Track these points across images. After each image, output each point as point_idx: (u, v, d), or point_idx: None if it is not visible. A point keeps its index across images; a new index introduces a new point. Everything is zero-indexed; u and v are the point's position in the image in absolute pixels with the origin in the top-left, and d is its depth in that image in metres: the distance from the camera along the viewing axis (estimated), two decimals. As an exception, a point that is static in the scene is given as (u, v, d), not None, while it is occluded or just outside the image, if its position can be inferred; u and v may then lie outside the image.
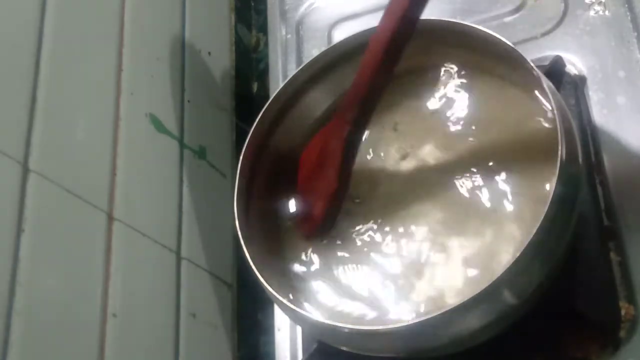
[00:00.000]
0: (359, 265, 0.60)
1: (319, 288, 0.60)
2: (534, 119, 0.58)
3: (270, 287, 0.54)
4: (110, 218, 0.58)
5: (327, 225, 0.59)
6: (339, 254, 0.61)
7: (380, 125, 0.65)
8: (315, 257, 0.62)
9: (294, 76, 0.63)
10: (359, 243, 0.60)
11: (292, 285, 0.61)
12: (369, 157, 0.64)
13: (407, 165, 0.62)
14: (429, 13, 0.73)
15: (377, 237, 0.60)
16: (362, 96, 0.56)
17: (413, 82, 0.65)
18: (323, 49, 0.64)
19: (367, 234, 0.61)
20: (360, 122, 0.57)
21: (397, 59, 0.55)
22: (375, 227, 0.61)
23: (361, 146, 0.61)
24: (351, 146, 0.58)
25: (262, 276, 0.55)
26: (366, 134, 0.64)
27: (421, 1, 0.53)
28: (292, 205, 0.61)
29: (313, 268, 0.62)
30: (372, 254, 0.60)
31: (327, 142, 0.58)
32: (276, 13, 0.83)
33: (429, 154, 0.62)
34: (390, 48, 0.54)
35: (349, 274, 0.60)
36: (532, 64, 0.54)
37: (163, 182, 0.66)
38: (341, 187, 0.58)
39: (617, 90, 0.64)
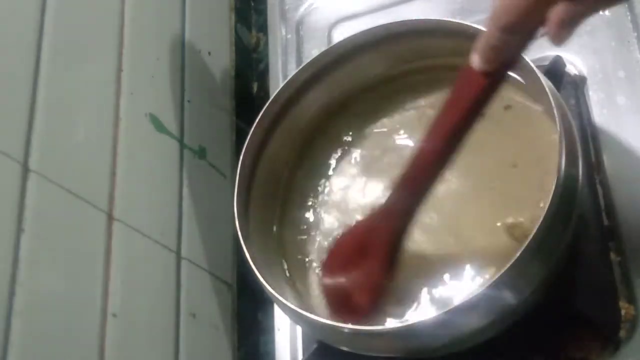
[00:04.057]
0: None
1: (319, 286, 0.60)
2: (534, 119, 0.58)
3: (270, 287, 0.54)
4: (110, 218, 0.58)
5: (373, 313, 0.55)
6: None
7: (380, 125, 0.65)
8: (316, 256, 0.63)
9: (294, 76, 0.63)
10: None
11: (292, 284, 0.61)
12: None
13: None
14: (429, 13, 0.73)
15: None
16: (417, 190, 0.52)
17: (413, 81, 0.65)
18: (323, 49, 0.64)
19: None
20: (410, 213, 0.53)
21: (457, 148, 0.50)
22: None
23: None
24: (398, 238, 0.54)
25: (262, 276, 0.55)
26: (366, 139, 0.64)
27: (491, 91, 0.47)
28: (324, 289, 0.58)
29: (314, 266, 0.62)
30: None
31: (372, 230, 0.54)
32: (276, 13, 0.83)
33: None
34: (452, 138, 0.49)
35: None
36: (532, 64, 0.54)
37: (163, 182, 0.66)
38: (387, 280, 0.55)
39: (617, 90, 0.64)
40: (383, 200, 0.54)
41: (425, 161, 0.50)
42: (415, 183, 0.51)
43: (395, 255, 0.54)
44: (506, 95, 0.60)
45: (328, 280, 0.57)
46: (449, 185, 0.59)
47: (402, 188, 0.52)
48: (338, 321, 0.53)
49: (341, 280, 0.56)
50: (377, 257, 0.54)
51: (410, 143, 0.63)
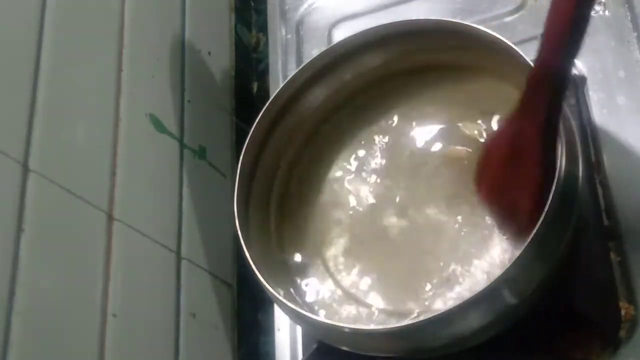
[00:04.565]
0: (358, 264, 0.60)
1: (319, 287, 0.61)
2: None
3: (270, 287, 0.54)
4: (110, 218, 0.58)
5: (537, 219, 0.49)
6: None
7: (380, 124, 0.65)
8: (315, 256, 0.63)
9: (294, 76, 0.63)
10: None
11: (292, 285, 0.61)
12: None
13: (411, 163, 0.62)
14: (429, 13, 0.73)
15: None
16: (557, 64, 0.46)
17: (413, 81, 0.65)
18: (323, 49, 0.64)
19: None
20: (558, 96, 0.47)
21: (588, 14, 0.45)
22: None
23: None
24: (551, 130, 0.48)
25: (262, 276, 0.55)
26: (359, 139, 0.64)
27: None
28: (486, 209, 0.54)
29: (313, 266, 0.62)
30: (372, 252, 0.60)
31: (521, 130, 0.49)
32: (276, 13, 0.83)
33: (429, 153, 0.62)
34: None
35: (349, 272, 0.61)
36: (532, 64, 0.54)
37: (163, 182, 0.66)
38: (550, 177, 0.49)
39: (617, 90, 0.64)
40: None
41: (558, 30, 0.45)
42: (555, 59, 0.46)
43: (552, 149, 0.49)
44: (505, 95, 0.60)
45: (486, 195, 0.53)
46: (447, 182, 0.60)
47: (540, 72, 0.47)
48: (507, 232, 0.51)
49: (501, 191, 0.52)
50: (532, 158, 0.49)
51: (410, 142, 0.63)
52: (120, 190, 0.60)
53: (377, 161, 0.64)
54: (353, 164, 0.65)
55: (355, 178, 0.64)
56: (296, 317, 0.56)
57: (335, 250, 0.62)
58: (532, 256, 0.48)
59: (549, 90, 0.47)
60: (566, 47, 0.46)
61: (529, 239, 0.48)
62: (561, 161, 0.49)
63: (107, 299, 0.56)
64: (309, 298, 0.60)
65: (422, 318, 0.49)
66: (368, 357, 0.54)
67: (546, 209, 0.48)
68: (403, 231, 0.60)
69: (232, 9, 0.85)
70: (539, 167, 0.48)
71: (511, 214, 0.53)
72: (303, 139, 0.67)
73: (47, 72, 0.55)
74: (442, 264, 0.56)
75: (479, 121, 0.61)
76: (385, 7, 0.77)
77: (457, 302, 0.48)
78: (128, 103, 0.63)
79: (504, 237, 0.54)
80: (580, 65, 0.66)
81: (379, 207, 0.62)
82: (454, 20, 0.59)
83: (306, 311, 0.54)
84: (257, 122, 0.62)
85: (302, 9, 0.82)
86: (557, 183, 0.49)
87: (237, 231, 0.57)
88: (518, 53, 0.55)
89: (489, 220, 0.56)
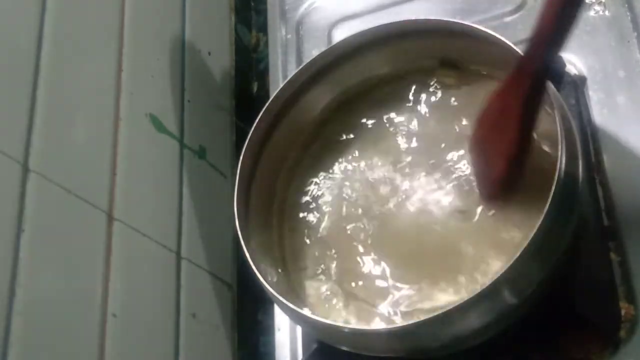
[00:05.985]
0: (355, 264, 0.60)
1: (320, 286, 0.61)
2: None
3: (271, 287, 0.54)
4: (110, 218, 0.58)
5: (509, 188, 0.55)
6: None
7: (379, 121, 0.65)
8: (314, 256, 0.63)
9: (294, 76, 0.64)
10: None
11: (292, 285, 0.61)
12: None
13: (409, 162, 0.62)
14: (429, 13, 0.73)
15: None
16: (546, 43, 0.50)
17: (413, 81, 0.65)
18: (323, 49, 0.65)
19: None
20: (543, 73, 0.51)
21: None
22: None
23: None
24: (532, 103, 0.52)
25: (262, 276, 0.55)
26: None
27: None
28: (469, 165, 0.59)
29: (312, 266, 0.62)
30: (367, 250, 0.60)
31: (506, 100, 0.53)
32: (276, 13, 0.83)
33: (429, 152, 0.62)
34: None
35: (349, 272, 0.61)
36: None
37: (163, 182, 0.66)
38: (522, 150, 0.53)
39: (617, 90, 0.64)
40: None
41: (552, 14, 0.48)
42: (545, 37, 0.49)
43: (531, 123, 0.52)
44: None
45: (474, 153, 0.58)
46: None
47: (532, 48, 0.50)
48: (484, 194, 0.57)
49: (484, 152, 0.56)
50: (512, 128, 0.52)
51: (412, 142, 0.63)
52: (120, 190, 0.60)
53: (379, 161, 0.64)
54: (354, 164, 0.65)
55: (357, 178, 0.64)
56: (296, 317, 0.56)
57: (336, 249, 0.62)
58: (532, 256, 0.48)
59: (533, 75, 0.51)
60: (551, 42, 0.50)
61: (529, 239, 0.48)
62: (561, 161, 0.49)
63: (107, 299, 0.56)
64: (308, 298, 0.60)
65: (422, 318, 0.49)
66: (368, 357, 0.54)
67: (546, 208, 0.48)
68: (407, 228, 0.60)
69: (232, 9, 0.85)
70: (516, 137, 0.53)
71: (487, 174, 0.57)
72: (303, 139, 0.67)
73: (47, 72, 0.55)
74: (451, 260, 0.56)
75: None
76: (385, 7, 0.77)
77: (458, 303, 0.48)
78: (128, 103, 0.63)
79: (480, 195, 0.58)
80: (580, 65, 0.66)
81: (380, 206, 0.62)
82: (454, 20, 0.59)
83: (306, 311, 0.54)
84: (257, 122, 0.62)
85: (302, 9, 0.82)
86: (557, 183, 0.49)
87: (237, 231, 0.57)
88: (518, 53, 0.55)
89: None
